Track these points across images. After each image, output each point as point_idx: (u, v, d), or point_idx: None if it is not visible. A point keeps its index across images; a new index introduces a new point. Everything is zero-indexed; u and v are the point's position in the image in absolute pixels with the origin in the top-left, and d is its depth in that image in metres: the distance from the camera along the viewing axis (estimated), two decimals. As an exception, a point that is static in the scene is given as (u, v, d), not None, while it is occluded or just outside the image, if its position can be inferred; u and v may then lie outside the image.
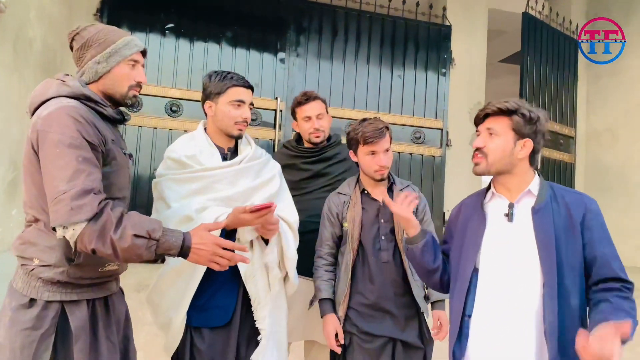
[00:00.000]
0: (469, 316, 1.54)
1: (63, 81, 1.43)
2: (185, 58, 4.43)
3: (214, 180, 1.77)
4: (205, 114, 1.90)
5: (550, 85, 5.50)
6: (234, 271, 1.75)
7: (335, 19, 4.88)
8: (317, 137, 2.26)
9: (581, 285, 1.47)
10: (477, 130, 1.60)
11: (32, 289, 1.34)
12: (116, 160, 1.44)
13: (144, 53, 1.57)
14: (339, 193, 2.08)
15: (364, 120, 2.01)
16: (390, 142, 2.01)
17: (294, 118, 2.35)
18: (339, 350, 1.96)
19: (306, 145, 2.33)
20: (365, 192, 2.05)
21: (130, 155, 1.56)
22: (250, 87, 1.87)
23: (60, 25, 3.80)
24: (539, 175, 1.60)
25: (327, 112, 2.35)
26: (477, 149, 1.56)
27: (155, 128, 4.25)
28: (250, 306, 1.79)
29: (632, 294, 1.42)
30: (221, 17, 4.53)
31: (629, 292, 1.41)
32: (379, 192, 2.03)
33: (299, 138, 2.39)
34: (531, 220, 1.50)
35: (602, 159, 5.70)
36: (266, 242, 1.82)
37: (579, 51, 5.83)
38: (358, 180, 2.07)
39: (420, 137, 5.06)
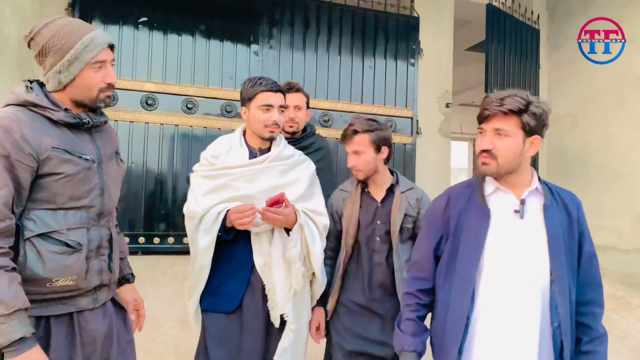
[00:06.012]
0: (468, 317, 1.46)
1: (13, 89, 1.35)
2: (159, 51, 4.46)
3: (233, 178, 1.87)
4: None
5: (514, 73, 5.73)
6: (245, 261, 1.86)
7: (307, 11, 4.98)
8: (290, 126, 2.37)
9: (574, 281, 1.48)
10: (480, 128, 1.48)
11: None
12: (63, 169, 1.33)
13: (111, 47, 1.44)
14: (341, 189, 2.11)
15: (370, 119, 2.06)
16: (371, 145, 1.96)
17: None
18: (318, 341, 2.02)
19: None
20: (366, 190, 2.05)
21: (93, 161, 1.42)
22: (280, 91, 1.93)
23: (33, 20, 3.78)
24: (534, 171, 1.55)
25: (308, 107, 2.45)
26: (485, 150, 1.45)
27: (132, 122, 4.28)
28: (266, 296, 1.85)
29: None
30: (194, 10, 4.57)
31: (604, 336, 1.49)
32: (379, 192, 2.04)
33: None
34: (542, 217, 1.46)
35: (563, 143, 5.99)
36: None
37: (540, 40, 6.09)
38: None
39: (391, 126, 5.22)
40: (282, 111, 1.95)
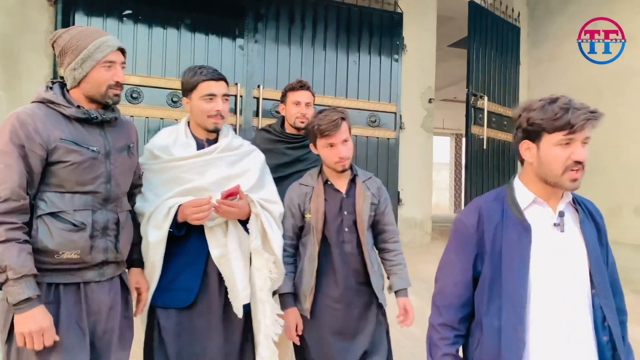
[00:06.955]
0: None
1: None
2: (144, 45, 4.44)
3: (182, 170, 1.82)
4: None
5: (495, 70, 5.84)
6: (198, 254, 1.82)
7: (292, 6, 5.00)
8: (302, 122, 2.41)
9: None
10: (568, 139, 1.31)
11: None
12: (70, 158, 1.50)
13: (122, 51, 1.62)
14: (301, 184, 2.07)
15: (321, 112, 2.01)
16: (350, 132, 2.00)
17: (282, 102, 2.51)
18: (298, 341, 1.98)
19: (288, 130, 2.48)
20: (329, 182, 2.03)
21: (100, 152, 1.58)
22: (222, 79, 1.90)
23: (16, 12, 3.76)
24: None
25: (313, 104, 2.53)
26: (580, 162, 1.30)
27: (116, 115, 4.28)
28: (222, 289, 1.82)
29: None
30: (180, 3, 4.56)
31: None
32: (342, 183, 2.04)
33: (282, 123, 2.52)
34: (579, 230, 1.40)
35: (541, 138, 6.09)
36: (245, 227, 1.85)
37: (521, 38, 6.21)
38: (321, 172, 2.06)
39: (375, 121, 5.30)
40: (226, 100, 1.90)
